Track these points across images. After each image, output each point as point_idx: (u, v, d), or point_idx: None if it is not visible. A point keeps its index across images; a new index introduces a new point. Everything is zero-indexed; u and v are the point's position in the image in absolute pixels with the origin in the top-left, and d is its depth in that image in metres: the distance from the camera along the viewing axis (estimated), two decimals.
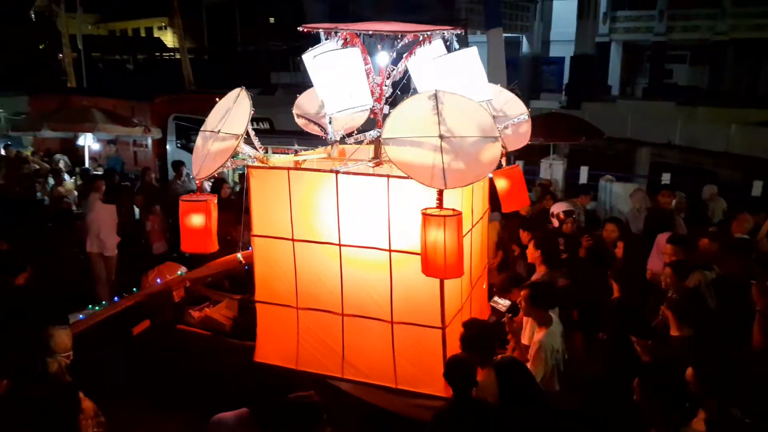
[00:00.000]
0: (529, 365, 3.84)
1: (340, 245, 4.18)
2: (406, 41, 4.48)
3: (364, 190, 4.01)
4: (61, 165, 11.90)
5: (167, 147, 13.05)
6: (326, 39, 4.33)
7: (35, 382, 3.40)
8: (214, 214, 4.19)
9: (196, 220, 4.10)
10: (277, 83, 28.61)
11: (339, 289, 4.28)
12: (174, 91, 16.06)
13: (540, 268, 5.09)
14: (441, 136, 3.51)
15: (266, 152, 5.24)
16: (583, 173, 11.22)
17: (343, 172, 4.04)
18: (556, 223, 6.72)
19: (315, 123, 4.89)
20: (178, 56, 35.94)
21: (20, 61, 29.45)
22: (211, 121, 4.22)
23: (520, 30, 30.31)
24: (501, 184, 4.96)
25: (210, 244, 4.21)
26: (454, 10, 25.68)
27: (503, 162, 4.92)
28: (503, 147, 4.44)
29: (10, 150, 12.51)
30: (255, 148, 4.31)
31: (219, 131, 4.06)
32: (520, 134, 4.97)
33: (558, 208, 6.94)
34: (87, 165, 11.53)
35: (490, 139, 3.57)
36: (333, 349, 4.40)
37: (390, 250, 4.01)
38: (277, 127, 13.05)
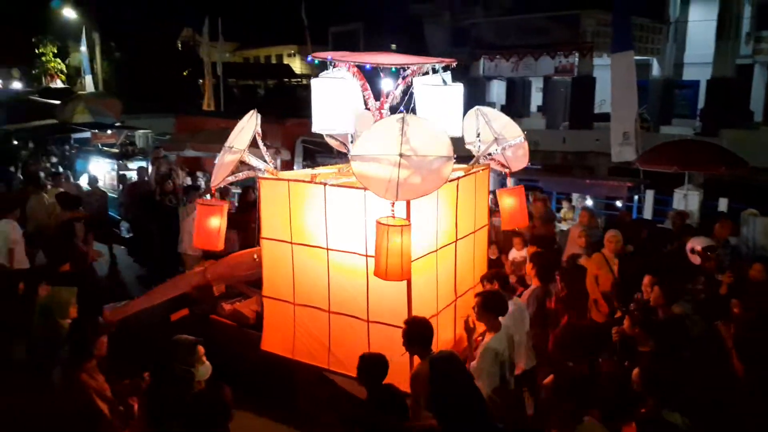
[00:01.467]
0: (473, 363, 4.28)
1: (327, 249, 4.73)
2: (411, 71, 5.12)
3: (348, 201, 4.50)
4: (202, 182, 12.82)
5: (294, 167, 13.69)
6: (333, 67, 4.99)
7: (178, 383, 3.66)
8: (224, 217, 5.01)
9: (211, 222, 4.95)
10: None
11: (326, 289, 4.83)
12: (302, 115, 16.91)
13: (534, 281, 5.50)
14: (401, 155, 3.97)
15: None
16: (722, 205, 10.40)
17: (330, 185, 4.62)
18: (695, 259, 6.25)
19: (342, 142, 5.46)
20: (305, 82, 37.97)
21: (167, 86, 32.42)
22: (230, 137, 5.02)
23: (651, 53, 28.84)
24: (505, 202, 5.50)
25: (218, 242, 5.05)
26: (578, 33, 25.04)
27: (508, 182, 5.59)
28: (506, 167, 5.31)
29: (161, 161, 13.11)
30: (266, 161, 5.06)
31: (232, 146, 4.90)
32: (519, 156, 5.42)
33: (696, 243, 6.45)
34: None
35: (445, 158, 4.04)
36: (321, 342, 4.96)
37: (367, 256, 4.47)
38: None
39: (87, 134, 18.22)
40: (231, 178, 5.04)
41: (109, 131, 18.30)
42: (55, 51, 38.19)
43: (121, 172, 13.19)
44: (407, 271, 4.10)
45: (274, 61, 47.28)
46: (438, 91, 5.05)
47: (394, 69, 5.17)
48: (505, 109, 26.61)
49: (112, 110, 19.86)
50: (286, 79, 42.05)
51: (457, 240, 5.08)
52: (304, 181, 4.89)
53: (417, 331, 4.02)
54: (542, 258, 5.68)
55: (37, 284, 5.09)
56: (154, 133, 19.57)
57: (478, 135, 5.45)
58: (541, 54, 22.38)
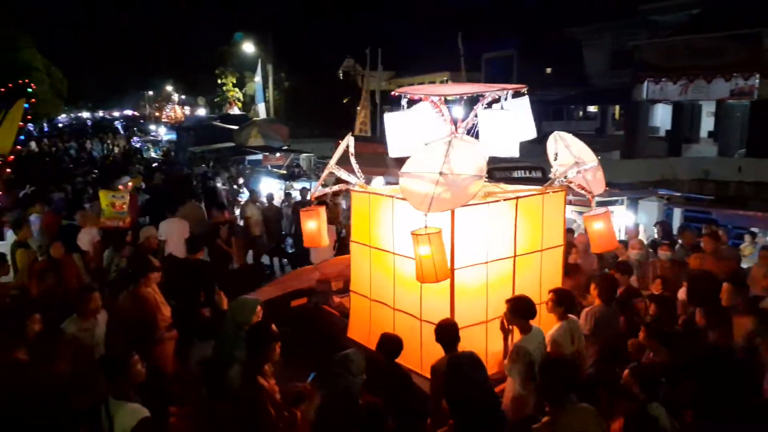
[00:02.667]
0: (505, 362, 4.67)
1: (394, 254, 5.38)
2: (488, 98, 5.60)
3: (411, 212, 4.82)
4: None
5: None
6: (407, 104, 5.70)
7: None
8: (322, 219, 5.98)
9: (309, 224, 5.95)
10: (549, 132, 28.55)
11: (392, 288, 5.47)
12: None
13: (597, 301, 5.60)
14: (441, 173, 4.56)
15: None
16: None
17: (396, 198, 5.22)
18: None
19: None
20: None
21: (328, 113, 34.53)
22: (333, 157, 5.96)
23: None
24: (593, 227, 5.66)
25: (321, 240, 6.02)
26: (759, 52, 22.68)
27: (593, 206, 5.75)
28: (590, 192, 5.59)
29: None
30: (358, 177, 5.84)
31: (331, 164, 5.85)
32: (597, 179, 5.69)
33: None
34: None
35: (477, 177, 4.54)
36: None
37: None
38: (549, 176, 13.00)
39: (259, 156, 20.01)
40: (327, 189, 6.29)
41: (277, 154, 19.97)
42: (234, 81, 42.38)
43: (287, 192, 14.37)
44: (442, 275, 4.57)
45: None
46: (496, 116, 5.49)
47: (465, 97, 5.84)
48: (670, 135, 25.10)
49: (281, 135, 21.68)
50: None
51: (515, 256, 5.39)
52: (379, 194, 5.69)
53: (443, 331, 4.48)
54: (606, 279, 5.81)
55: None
56: (316, 157, 20.98)
57: (556, 158, 5.74)
58: (715, 76, 20.62)
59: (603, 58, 29.30)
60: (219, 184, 15.91)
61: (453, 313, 4.96)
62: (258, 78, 30.36)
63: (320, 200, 9.79)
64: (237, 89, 42.37)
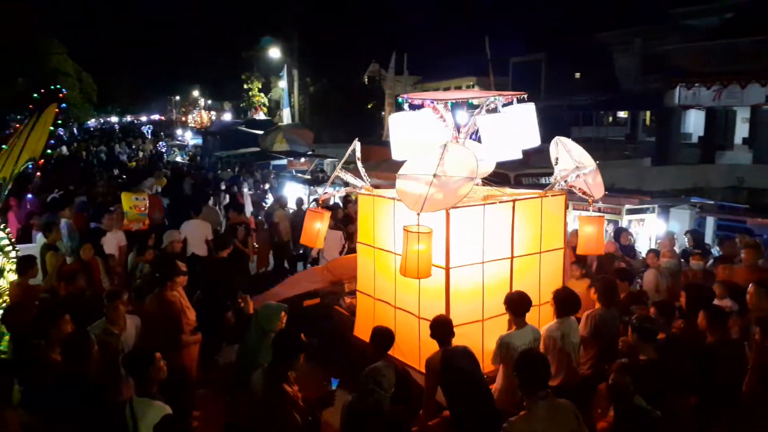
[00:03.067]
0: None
1: (395, 254, 5.50)
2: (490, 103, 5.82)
3: (411, 214, 4.91)
4: None
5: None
6: (410, 108, 5.96)
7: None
8: (325, 222, 6.16)
9: (314, 224, 6.07)
10: (578, 137, 28.19)
11: (393, 287, 5.65)
12: None
13: (597, 305, 5.63)
14: (435, 175, 4.80)
15: (566, 208, 7.07)
16: None
17: (398, 200, 5.28)
18: None
19: None
20: None
21: (352, 117, 34.60)
22: (341, 162, 6.34)
23: None
24: (584, 229, 5.89)
25: (318, 242, 6.19)
26: None
27: (591, 210, 6.03)
28: (590, 195, 5.77)
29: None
30: (364, 181, 6.08)
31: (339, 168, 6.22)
32: (597, 183, 5.82)
33: None
34: None
35: (468, 179, 4.77)
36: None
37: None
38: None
39: (284, 161, 20.09)
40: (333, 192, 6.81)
41: (302, 159, 20.02)
42: (260, 86, 42.75)
43: (311, 197, 14.35)
44: (423, 273, 4.79)
45: None
46: (495, 121, 5.74)
47: (470, 103, 6.09)
48: (703, 141, 24.56)
49: (306, 140, 21.75)
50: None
51: (513, 257, 5.54)
52: (382, 197, 5.89)
53: (437, 327, 4.65)
54: (606, 284, 5.81)
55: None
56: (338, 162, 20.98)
57: (557, 162, 5.87)
58: (750, 81, 20.13)
59: (633, 63, 28.85)
60: (245, 189, 15.97)
61: (448, 311, 5.12)
62: (283, 83, 30.54)
63: (328, 206, 10.16)
64: (262, 94, 42.72)
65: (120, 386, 4.85)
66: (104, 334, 4.91)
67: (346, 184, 6.32)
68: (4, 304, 5.74)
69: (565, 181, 5.77)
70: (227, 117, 46.67)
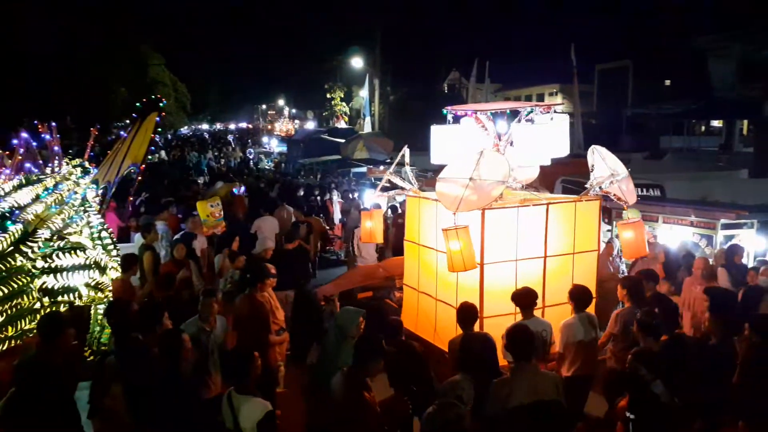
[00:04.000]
0: None
1: (437, 251, 6.12)
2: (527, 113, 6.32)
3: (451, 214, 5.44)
4: None
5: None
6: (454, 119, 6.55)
7: None
8: (378, 220, 7.00)
9: (367, 223, 7.02)
10: (667, 147, 26.92)
11: (435, 281, 6.30)
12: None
13: (627, 304, 5.89)
14: (471, 179, 5.36)
15: (656, 221, 8.78)
16: None
17: (436, 201, 5.93)
18: None
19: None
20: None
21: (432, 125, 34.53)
22: (392, 166, 7.20)
23: None
24: (625, 234, 6.17)
25: (376, 237, 7.09)
26: None
27: (628, 216, 6.35)
28: (625, 201, 6.12)
29: None
30: (412, 184, 6.74)
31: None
32: (630, 189, 6.19)
33: None
34: None
35: (500, 183, 5.39)
36: (431, 321, 6.39)
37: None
38: (669, 195, 12.21)
39: (363, 169, 20.42)
40: (385, 194, 7.37)
41: (381, 167, 20.27)
42: (342, 95, 43.66)
43: (391, 204, 14.52)
44: (469, 265, 5.27)
45: (534, 101, 47.39)
46: (528, 130, 6.22)
47: (509, 112, 6.50)
48: None
49: (385, 148, 22.01)
50: None
51: (546, 257, 6.04)
52: (426, 198, 6.52)
53: (461, 313, 5.16)
54: (635, 284, 6.09)
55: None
56: (418, 170, 21.07)
57: (592, 169, 6.26)
58: None
59: (730, 70, 27.23)
60: (335, 197, 16.47)
61: (482, 303, 5.66)
62: (364, 92, 31.04)
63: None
64: (344, 103, 43.59)
65: (209, 383, 5.12)
66: (198, 332, 5.19)
67: (394, 186, 6.98)
68: (106, 300, 6.19)
69: (600, 187, 6.16)
70: (310, 125, 47.93)
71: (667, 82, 32.74)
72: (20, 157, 6.13)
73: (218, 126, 68.05)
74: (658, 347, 4.93)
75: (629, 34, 35.10)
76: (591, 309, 5.74)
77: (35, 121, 7.34)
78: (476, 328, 5.30)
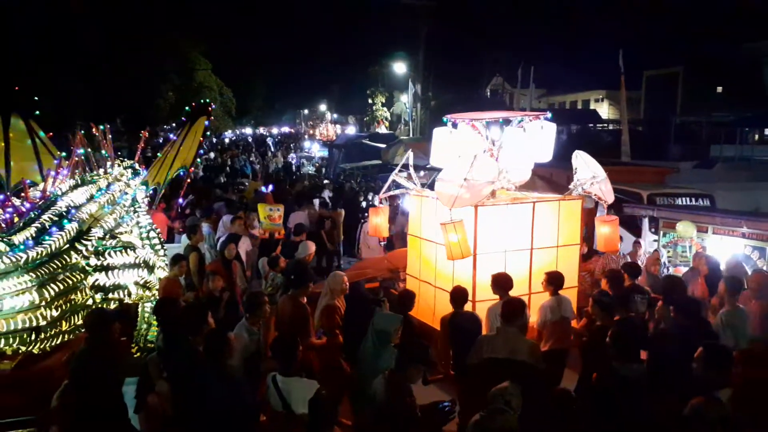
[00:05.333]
0: None
1: (436, 243, 6.90)
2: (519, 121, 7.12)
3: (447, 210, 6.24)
4: None
5: (597, 214, 13.15)
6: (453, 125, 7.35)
7: None
8: (385, 216, 7.74)
9: (374, 219, 7.76)
10: (718, 156, 26.05)
11: (434, 271, 7.14)
12: (609, 162, 16.23)
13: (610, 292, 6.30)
14: (465, 179, 6.10)
15: (706, 232, 8.90)
16: None
17: (435, 199, 6.74)
18: None
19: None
20: (611, 127, 36.47)
21: None
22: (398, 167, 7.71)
23: None
24: (601, 229, 7.25)
25: (382, 232, 7.84)
26: None
27: (605, 211, 7.37)
28: (604, 201, 7.17)
29: None
30: (415, 183, 7.50)
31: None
32: (608, 190, 7.14)
33: None
34: None
35: (490, 183, 6.38)
36: (430, 307, 7.13)
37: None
38: (719, 205, 11.84)
39: (404, 174, 20.41)
40: (391, 192, 7.81)
41: (422, 172, 20.24)
42: (383, 101, 43.86)
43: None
44: (466, 253, 6.17)
45: (580, 107, 46.70)
46: (514, 136, 7.04)
47: (501, 121, 7.23)
48: None
49: (426, 153, 21.94)
50: (591, 125, 41.02)
51: (532, 249, 6.88)
52: (426, 196, 7.28)
53: (453, 294, 5.92)
54: (615, 276, 6.69)
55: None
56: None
57: (576, 171, 7.21)
58: None
59: None
60: (376, 201, 16.66)
61: (475, 289, 6.50)
62: (406, 97, 31.09)
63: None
64: (385, 108, 43.77)
65: (257, 385, 5.17)
66: (248, 334, 5.27)
67: (397, 186, 7.60)
68: (153, 298, 6.36)
69: (583, 188, 7.12)
70: (351, 130, 48.26)
71: (719, 89, 31.76)
72: (76, 159, 6.36)
73: (261, 130, 69.22)
74: (612, 323, 5.50)
75: (681, 40, 34.22)
76: (568, 293, 6.55)
77: (90, 123, 7.61)
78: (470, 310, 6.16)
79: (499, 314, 5.28)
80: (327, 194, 16.61)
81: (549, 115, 7.33)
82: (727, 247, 8.85)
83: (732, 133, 28.63)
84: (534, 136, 7.05)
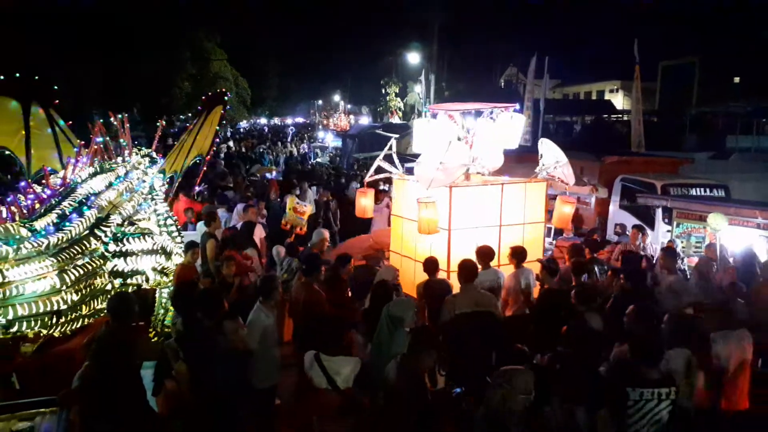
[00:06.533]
0: None
1: (416, 222, 7.39)
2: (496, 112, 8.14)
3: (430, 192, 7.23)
4: None
5: (610, 207, 13.14)
6: (432, 116, 8.43)
7: None
8: (370, 198, 8.89)
9: (361, 201, 8.82)
10: (734, 147, 25.74)
11: (414, 246, 7.92)
12: (623, 153, 16.12)
13: (568, 263, 7.38)
14: (441, 162, 7.17)
15: None
16: None
17: (415, 182, 7.70)
18: None
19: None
20: (626, 118, 36.12)
21: None
22: (381, 154, 8.78)
23: None
24: (560, 207, 8.38)
25: (367, 213, 8.93)
26: None
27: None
28: (565, 183, 8.26)
29: None
30: (398, 169, 8.54)
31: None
32: (569, 174, 8.15)
33: None
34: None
35: (462, 166, 7.50)
36: (411, 280, 7.66)
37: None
38: (734, 196, 11.76)
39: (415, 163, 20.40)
40: (377, 176, 8.84)
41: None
42: (397, 91, 43.73)
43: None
44: (433, 230, 7.16)
45: (594, 98, 46.31)
46: (485, 126, 8.02)
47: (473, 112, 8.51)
48: None
49: None
50: (605, 115, 40.68)
51: (501, 225, 7.80)
52: (407, 179, 8.25)
53: (426, 264, 6.60)
54: (576, 249, 7.69)
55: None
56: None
57: (541, 157, 8.24)
58: None
59: None
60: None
61: (449, 262, 7.35)
62: (419, 88, 30.99)
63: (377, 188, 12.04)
64: (399, 98, 43.66)
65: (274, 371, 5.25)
66: (265, 317, 5.36)
67: (380, 170, 8.49)
68: (170, 284, 6.49)
69: (547, 172, 8.13)
70: (365, 120, 48.18)
71: (736, 80, 31.34)
72: (95, 147, 6.47)
73: (276, 120, 69.34)
74: (558, 285, 6.59)
75: (697, 30, 33.76)
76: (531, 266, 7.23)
77: (107, 112, 7.73)
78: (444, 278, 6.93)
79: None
80: (354, 186, 16.63)
81: (517, 106, 8.37)
82: (742, 238, 8.82)
83: (748, 123, 28.30)
84: (503, 126, 7.96)
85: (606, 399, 4.21)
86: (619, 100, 43.65)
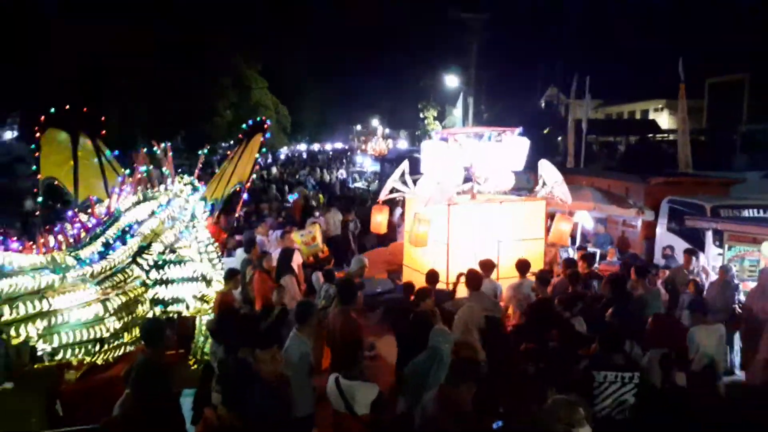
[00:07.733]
0: None
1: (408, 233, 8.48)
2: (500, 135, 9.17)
3: (433, 212, 8.22)
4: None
5: (657, 229, 12.70)
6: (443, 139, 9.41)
7: None
8: (385, 214, 9.67)
9: (377, 216, 9.57)
10: None
11: (422, 260, 8.59)
12: (669, 174, 15.65)
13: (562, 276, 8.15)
14: (438, 182, 8.25)
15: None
16: None
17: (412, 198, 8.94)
18: None
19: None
20: (671, 137, 35.20)
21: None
22: (394, 174, 9.34)
23: None
24: (558, 224, 8.90)
25: (381, 228, 9.73)
26: None
27: (567, 212, 9.20)
28: (563, 200, 8.87)
29: None
30: (409, 188, 9.13)
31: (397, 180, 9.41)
32: (566, 192, 8.79)
33: None
34: (578, 242, 11.74)
35: (456, 186, 8.66)
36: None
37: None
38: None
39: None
40: (391, 195, 9.43)
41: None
42: (435, 115, 43.79)
43: None
44: (422, 243, 8.09)
45: (638, 117, 45.38)
46: (488, 149, 8.74)
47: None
48: None
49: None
50: (650, 135, 39.76)
51: (498, 241, 8.34)
52: (412, 199, 8.96)
53: (428, 276, 7.23)
54: (569, 263, 8.28)
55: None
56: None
57: (540, 177, 8.92)
58: None
59: None
60: None
61: (448, 274, 8.02)
62: (458, 111, 30.95)
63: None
64: (437, 122, 43.70)
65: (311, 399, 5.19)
66: (300, 343, 5.31)
67: (393, 190, 9.11)
68: (210, 311, 6.52)
69: (548, 191, 8.75)
70: (403, 144, 48.36)
71: None
72: (139, 176, 6.62)
73: (315, 146, 70.26)
74: (547, 294, 7.10)
75: (746, 46, 32.81)
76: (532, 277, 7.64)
77: (152, 141, 7.92)
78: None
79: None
80: (399, 211, 16.70)
81: (521, 129, 8.96)
82: None
83: None
84: (508, 148, 8.58)
85: (575, 381, 4.83)
86: (664, 119, 42.65)
